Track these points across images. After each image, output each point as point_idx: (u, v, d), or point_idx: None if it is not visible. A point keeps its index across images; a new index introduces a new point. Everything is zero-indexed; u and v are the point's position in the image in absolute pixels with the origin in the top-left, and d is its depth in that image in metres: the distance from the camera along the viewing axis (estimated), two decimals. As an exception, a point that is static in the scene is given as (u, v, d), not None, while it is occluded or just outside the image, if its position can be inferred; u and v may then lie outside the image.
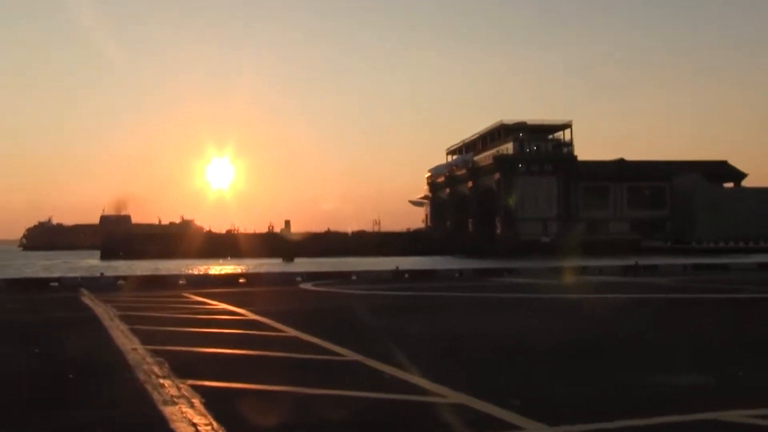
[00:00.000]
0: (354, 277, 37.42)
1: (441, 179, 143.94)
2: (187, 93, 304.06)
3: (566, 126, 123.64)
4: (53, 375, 10.61)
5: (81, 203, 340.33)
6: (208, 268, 69.07)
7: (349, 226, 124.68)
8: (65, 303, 24.10)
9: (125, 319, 17.57)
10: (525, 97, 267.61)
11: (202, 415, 7.62)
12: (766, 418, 7.26)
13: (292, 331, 15.00)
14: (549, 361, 11.16)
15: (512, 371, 10.45)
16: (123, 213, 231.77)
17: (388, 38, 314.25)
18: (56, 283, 33.82)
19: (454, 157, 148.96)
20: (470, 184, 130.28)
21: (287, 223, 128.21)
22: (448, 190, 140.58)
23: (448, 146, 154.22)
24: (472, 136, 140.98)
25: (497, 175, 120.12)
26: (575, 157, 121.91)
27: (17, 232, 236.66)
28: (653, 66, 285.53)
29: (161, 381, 9.49)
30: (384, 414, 7.79)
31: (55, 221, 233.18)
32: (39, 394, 9.20)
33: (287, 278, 37.44)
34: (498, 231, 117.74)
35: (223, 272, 53.01)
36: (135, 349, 12.41)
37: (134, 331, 14.96)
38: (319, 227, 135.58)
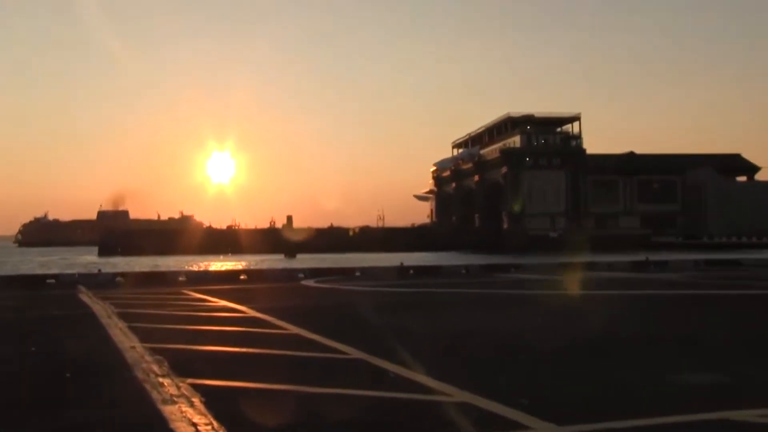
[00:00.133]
0: (357, 274, 37.42)
1: (446, 173, 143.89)
2: (187, 86, 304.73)
3: (575, 119, 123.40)
4: (50, 374, 10.65)
5: (78, 198, 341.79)
6: (208, 265, 69.19)
7: (352, 226, 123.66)
8: (62, 300, 24.16)
9: (124, 316, 17.61)
10: (533, 89, 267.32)
11: (202, 414, 7.65)
12: (779, 417, 7.26)
13: (293, 329, 15.02)
14: (555, 360, 11.17)
15: (518, 370, 10.46)
16: (121, 208, 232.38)
17: (391, 30, 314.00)
18: (53, 280, 33.86)
19: (460, 150, 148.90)
20: (476, 178, 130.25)
21: (289, 218, 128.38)
22: (453, 185, 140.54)
23: (454, 139, 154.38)
24: (479, 129, 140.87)
25: (504, 169, 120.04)
26: (584, 150, 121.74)
27: (12, 228, 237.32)
28: (664, 58, 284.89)
29: (160, 380, 9.52)
30: (388, 413, 7.81)
31: (51, 217, 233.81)
32: (36, 394, 9.24)
33: (289, 275, 37.44)
34: (505, 226, 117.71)
35: (223, 269, 53.10)
36: (134, 348, 12.45)
37: (133, 329, 15.00)
38: (322, 223, 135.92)
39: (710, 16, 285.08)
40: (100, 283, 32.25)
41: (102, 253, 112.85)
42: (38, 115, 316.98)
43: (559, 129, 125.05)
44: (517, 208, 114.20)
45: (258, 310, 18.83)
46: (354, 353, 11.67)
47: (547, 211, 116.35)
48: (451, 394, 8.52)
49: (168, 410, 7.85)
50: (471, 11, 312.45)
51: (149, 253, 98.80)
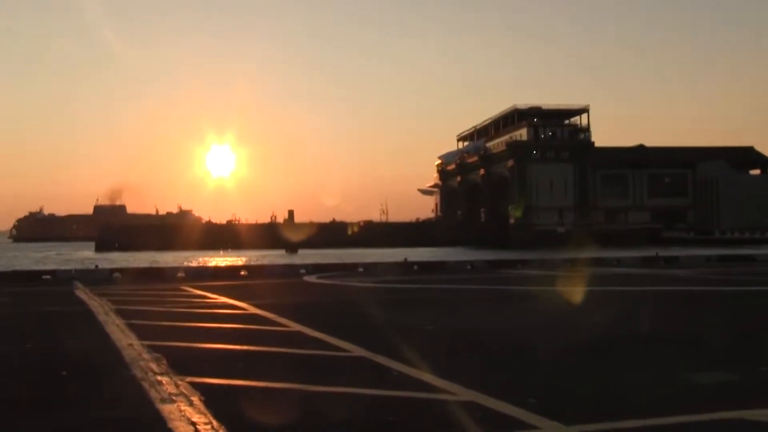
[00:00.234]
0: (360, 269, 37.46)
1: (451, 167, 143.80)
2: (187, 79, 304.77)
3: (583, 111, 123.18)
4: (46, 372, 10.67)
5: (74, 192, 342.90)
6: (208, 260, 69.28)
7: (355, 221, 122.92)
8: (59, 297, 24.21)
9: (121, 313, 17.63)
10: (540, 80, 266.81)
11: (201, 413, 7.65)
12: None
13: (295, 326, 15.03)
14: (562, 358, 11.16)
15: (525, 368, 10.45)
16: (118, 203, 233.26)
17: (395, 23, 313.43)
18: (49, 276, 33.95)
19: (466, 143, 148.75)
20: (482, 171, 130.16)
21: (290, 213, 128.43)
22: (459, 178, 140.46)
23: (459, 132, 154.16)
24: (484, 121, 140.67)
25: (510, 162, 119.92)
26: (592, 143, 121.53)
27: (7, 223, 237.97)
28: (674, 48, 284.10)
29: (159, 378, 9.52)
30: (391, 412, 7.80)
31: (46, 211, 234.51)
32: (31, 393, 9.25)
33: (290, 270, 37.51)
34: (511, 221, 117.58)
35: (223, 264, 53.14)
36: (131, 345, 12.47)
37: (131, 326, 15.02)
38: (324, 217, 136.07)
39: (722, 6, 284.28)
40: (97, 279, 32.32)
41: (99, 248, 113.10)
42: (34, 107, 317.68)
43: (567, 121, 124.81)
44: (518, 213, 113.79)
45: (259, 307, 18.85)
46: (357, 351, 11.68)
47: (555, 206, 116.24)
48: (456, 392, 8.51)
49: (166, 409, 7.86)
50: (476, 3, 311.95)
51: (147, 249, 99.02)
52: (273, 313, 17.24)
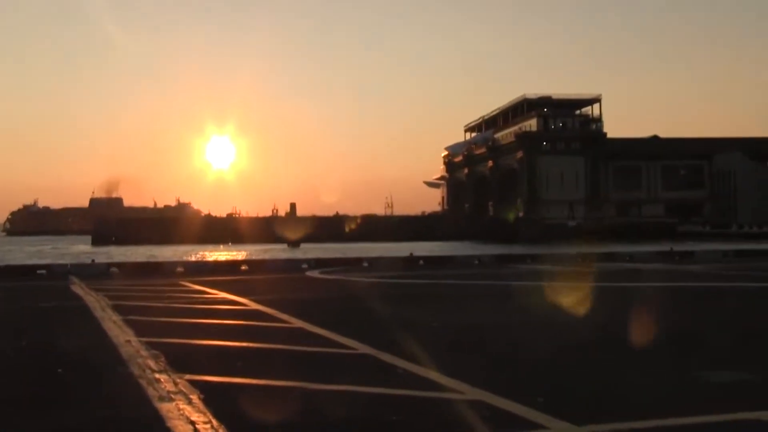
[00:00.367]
0: (365, 264, 37.50)
1: (459, 158, 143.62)
2: (186, 69, 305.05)
3: (595, 100, 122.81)
4: (41, 370, 10.71)
5: (69, 185, 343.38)
6: (208, 255, 69.42)
7: (359, 214, 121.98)
8: (54, 292, 24.28)
9: (118, 309, 17.69)
10: (550, 69, 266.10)
11: (200, 412, 7.68)
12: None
13: (297, 322, 15.06)
14: (571, 356, 11.16)
15: (533, 366, 10.46)
16: (114, 195, 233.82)
17: (400, 12, 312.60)
18: (44, 271, 34.08)
19: (473, 134, 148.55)
20: (490, 163, 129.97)
21: (292, 206, 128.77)
22: (466, 171, 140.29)
23: (466, 123, 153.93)
24: (493, 111, 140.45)
25: (519, 154, 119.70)
26: (604, 134, 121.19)
27: (0, 216, 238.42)
28: (690, 35, 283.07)
29: (157, 376, 9.56)
30: (397, 411, 7.81)
31: (41, 204, 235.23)
32: (25, 391, 9.28)
33: (292, 265, 37.54)
34: (521, 214, 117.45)
35: (223, 259, 53.26)
36: (129, 342, 12.51)
37: (128, 322, 15.07)
38: (327, 210, 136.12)
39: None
40: (93, 273, 32.42)
41: (96, 242, 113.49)
42: (29, 97, 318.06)
43: (578, 111, 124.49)
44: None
45: (260, 303, 18.89)
46: (361, 348, 11.70)
47: (565, 199, 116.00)
48: (463, 391, 8.53)
49: (165, 408, 7.88)
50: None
51: (145, 243, 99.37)
52: (274, 309, 17.28)
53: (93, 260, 40.83)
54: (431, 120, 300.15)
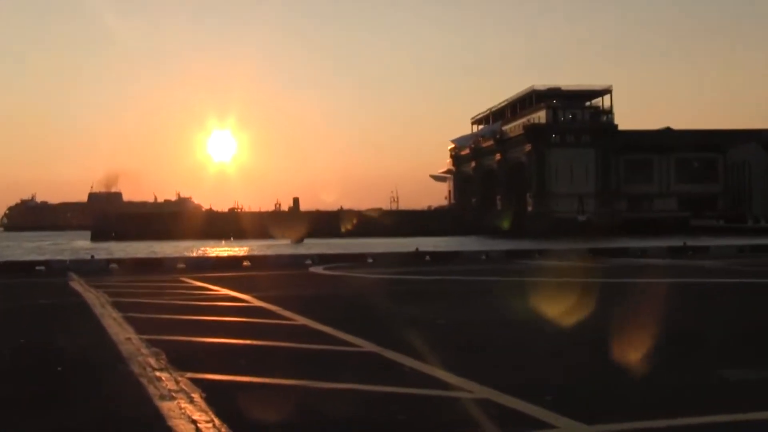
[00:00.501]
0: (370, 260, 37.53)
1: (466, 151, 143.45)
2: (187, 61, 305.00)
3: (605, 92, 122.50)
4: (40, 369, 10.75)
5: (67, 179, 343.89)
6: (209, 250, 69.54)
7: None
8: (53, 289, 24.36)
9: (118, 306, 17.74)
10: (559, 59, 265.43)
11: (202, 411, 7.70)
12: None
13: (301, 319, 15.09)
14: (581, 352, 11.16)
15: (541, 363, 10.47)
16: (113, 190, 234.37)
17: (404, 0, 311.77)
18: (42, 267, 34.17)
19: (480, 127, 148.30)
20: (498, 156, 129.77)
21: (296, 200, 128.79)
22: (473, 164, 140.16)
23: (474, 115, 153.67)
24: (500, 103, 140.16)
25: (528, 147, 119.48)
26: (615, 126, 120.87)
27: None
28: (703, 24, 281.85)
29: (158, 374, 9.59)
30: (403, 410, 7.83)
31: (39, 199, 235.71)
32: (24, 390, 9.32)
33: (296, 261, 37.60)
34: (529, 208, 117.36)
35: (225, 254, 53.34)
36: (129, 339, 12.55)
37: (128, 320, 15.12)
38: (331, 205, 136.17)
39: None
40: (92, 270, 32.51)
41: (95, 237, 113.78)
42: (26, 90, 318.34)
43: (588, 103, 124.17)
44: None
45: (262, 300, 18.92)
46: (366, 346, 11.72)
47: (575, 193, 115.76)
48: (471, 389, 8.54)
49: (166, 407, 7.91)
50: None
51: (145, 238, 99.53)
52: (277, 306, 17.31)
53: (92, 256, 40.94)
54: (437, 112, 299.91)
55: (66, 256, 49.46)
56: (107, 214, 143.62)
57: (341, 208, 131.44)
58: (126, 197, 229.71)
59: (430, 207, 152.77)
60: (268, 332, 13.46)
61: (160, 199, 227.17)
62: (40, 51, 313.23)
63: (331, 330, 13.42)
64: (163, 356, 10.78)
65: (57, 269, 32.98)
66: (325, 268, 32.21)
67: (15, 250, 79.20)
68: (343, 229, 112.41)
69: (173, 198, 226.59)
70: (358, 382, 9.05)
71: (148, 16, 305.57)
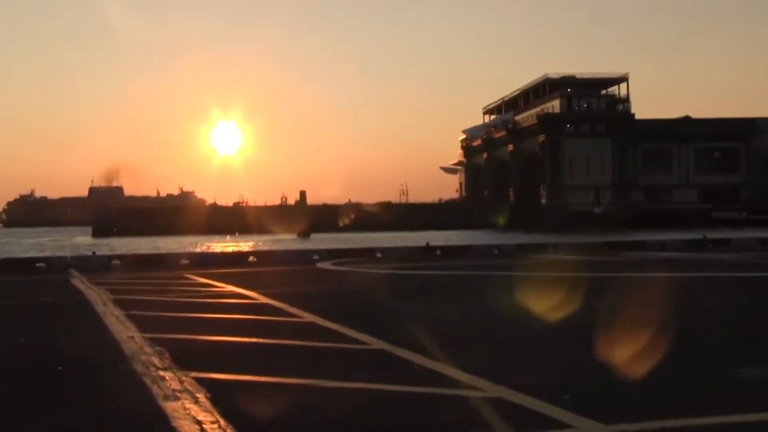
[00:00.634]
0: (379, 255, 37.60)
1: (477, 142, 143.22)
2: (190, 51, 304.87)
3: (622, 79, 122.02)
4: (40, 368, 10.81)
5: (67, 173, 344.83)
6: (214, 246, 69.71)
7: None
8: (53, 286, 24.50)
9: (121, 303, 17.81)
10: (574, 47, 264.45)
11: (207, 411, 7.72)
12: None
13: (308, 316, 15.12)
14: (598, 350, 11.12)
15: (558, 362, 10.45)
16: (114, 184, 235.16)
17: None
18: (43, 264, 34.37)
19: (492, 117, 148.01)
20: (511, 147, 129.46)
21: (302, 194, 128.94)
22: (485, 155, 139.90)
23: (485, 105, 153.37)
24: (513, 92, 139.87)
25: (542, 137, 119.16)
26: (632, 115, 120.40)
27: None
28: (724, 8, 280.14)
29: (161, 373, 9.62)
30: (414, 410, 7.83)
31: (38, 194, 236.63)
32: (24, 390, 9.36)
33: (303, 256, 37.67)
34: (543, 201, 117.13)
35: (230, 250, 53.47)
36: (132, 338, 12.60)
37: (131, 318, 15.18)
38: (339, 198, 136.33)
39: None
40: (94, 266, 32.67)
41: (96, 233, 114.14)
42: (24, 81, 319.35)
43: (603, 91, 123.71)
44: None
45: (269, 296, 18.96)
46: (375, 343, 11.73)
47: (591, 184, 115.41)
48: (484, 388, 8.53)
49: (170, 407, 7.93)
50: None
51: (147, 234, 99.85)
52: (284, 303, 17.34)
53: (94, 252, 41.13)
54: (448, 102, 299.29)
55: (67, 253, 49.64)
56: (108, 209, 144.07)
57: (349, 201, 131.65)
58: (127, 192, 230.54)
59: (440, 200, 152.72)
60: (274, 330, 13.48)
61: (163, 194, 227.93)
62: (39, 43, 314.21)
63: (339, 327, 13.44)
64: (167, 355, 10.81)
65: (58, 266, 33.17)
66: (332, 264, 32.26)
67: (14, 247, 79.55)
68: (342, 224, 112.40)
69: (176, 192, 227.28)
70: (367, 381, 9.06)
71: (150, 6, 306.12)
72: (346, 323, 13.72)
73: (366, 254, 37.89)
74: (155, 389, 8.77)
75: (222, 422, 7.31)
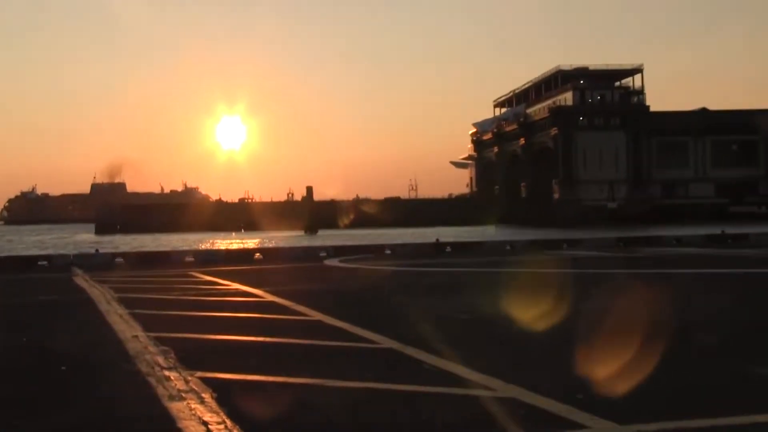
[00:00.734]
0: (388, 252, 37.61)
1: (488, 136, 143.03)
2: (194, 45, 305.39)
3: (636, 71, 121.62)
4: (44, 368, 10.85)
5: (69, 170, 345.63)
6: (219, 243, 69.85)
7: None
8: (56, 285, 24.58)
9: (124, 302, 17.87)
10: (586, 37, 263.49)
11: (213, 412, 7.74)
12: None
13: (316, 315, 15.13)
14: (614, 349, 11.10)
15: (571, 361, 10.42)
16: (117, 180, 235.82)
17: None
18: (45, 262, 34.52)
19: (503, 110, 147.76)
20: (522, 141, 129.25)
21: (309, 189, 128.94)
22: (495, 149, 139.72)
23: (496, 97, 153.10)
24: (524, 84, 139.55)
25: (554, 131, 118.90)
26: (647, 107, 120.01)
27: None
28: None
29: (166, 373, 9.64)
30: (424, 410, 7.84)
31: (39, 191, 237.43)
32: (27, 391, 9.40)
33: (310, 253, 37.71)
34: (556, 196, 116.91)
35: (235, 247, 53.56)
36: (136, 337, 12.63)
37: (135, 316, 15.22)
38: (347, 194, 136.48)
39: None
40: (97, 264, 32.78)
41: (99, 230, 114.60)
42: (24, 75, 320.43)
43: (617, 83, 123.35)
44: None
45: (275, 294, 18.99)
46: (384, 342, 11.73)
47: (605, 179, 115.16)
48: (496, 388, 8.53)
49: (175, 407, 7.95)
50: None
51: (151, 231, 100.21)
52: (291, 301, 17.36)
53: (97, 250, 41.25)
54: (457, 95, 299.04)
55: (69, 251, 49.86)
56: (111, 205, 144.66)
57: (357, 197, 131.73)
58: (130, 188, 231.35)
59: (450, 195, 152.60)
60: (281, 329, 13.50)
61: (166, 190, 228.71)
62: (40, 37, 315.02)
63: (347, 326, 13.45)
64: (172, 354, 10.84)
65: (60, 264, 33.31)
66: (340, 261, 32.28)
67: (16, 245, 79.91)
68: (349, 220, 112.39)
69: (180, 188, 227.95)
70: (376, 381, 9.06)
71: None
72: (354, 322, 13.73)
73: (374, 251, 37.92)
74: (160, 389, 8.79)
75: (228, 423, 7.32)
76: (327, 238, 74.15)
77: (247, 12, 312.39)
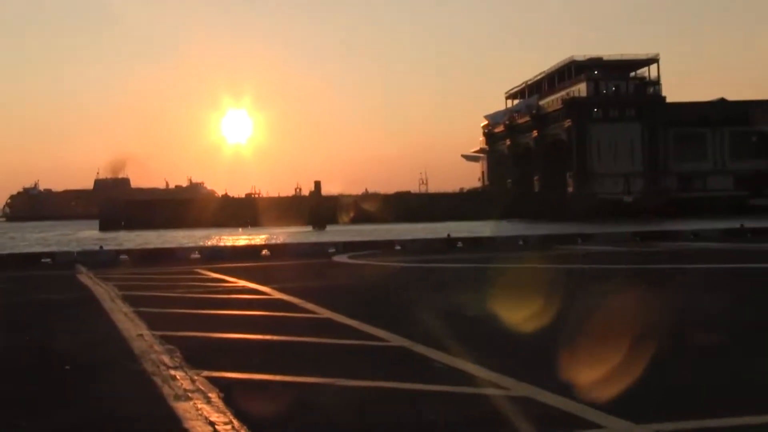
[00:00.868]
0: (398, 247, 37.62)
1: (500, 128, 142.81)
2: (198, 38, 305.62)
3: (651, 61, 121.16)
4: (47, 367, 10.89)
5: (71, 165, 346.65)
6: (225, 239, 69.98)
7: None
8: (59, 282, 24.67)
9: (129, 300, 17.93)
10: (600, 27, 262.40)
11: (220, 412, 7.76)
12: None
13: (324, 312, 15.15)
14: (628, 347, 11.07)
15: (586, 358, 10.41)
16: (121, 176, 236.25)
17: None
18: (49, 259, 34.66)
19: (515, 101, 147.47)
20: (535, 133, 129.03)
21: (317, 184, 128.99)
22: (508, 142, 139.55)
23: (508, 89, 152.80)
24: (537, 76, 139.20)
25: (567, 123, 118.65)
26: (663, 98, 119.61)
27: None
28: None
29: (172, 372, 9.67)
30: (435, 409, 7.84)
31: (42, 186, 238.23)
32: (30, 390, 9.44)
33: (318, 249, 37.77)
34: (570, 189, 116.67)
35: (242, 243, 53.66)
36: (141, 336, 12.67)
37: (140, 314, 15.27)
38: (356, 188, 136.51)
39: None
40: (101, 261, 32.91)
41: (104, 227, 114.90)
42: (27, 70, 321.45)
43: (632, 74, 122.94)
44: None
45: (283, 291, 19.02)
46: (394, 340, 11.74)
47: (620, 172, 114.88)
48: (509, 387, 8.52)
49: (181, 407, 7.98)
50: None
51: (155, 227, 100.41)
52: (299, 298, 17.38)
53: (101, 247, 41.43)
54: (469, 87, 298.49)
55: (73, 248, 50.06)
56: (115, 201, 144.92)
57: (366, 191, 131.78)
58: (134, 183, 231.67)
59: (462, 189, 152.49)
60: (289, 326, 13.53)
61: (171, 185, 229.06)
62: (42, 30, 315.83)
63: (356, 323, 13.46)
64: (178, 353, 10.87)
65: (64, 261, 33.44)
66: (349, 257, 32.31)
67: (19, 242, 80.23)
68: (358, 215, 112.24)
69: (185, 184, 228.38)
70: (386, 379, 9.07)
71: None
72: (363, 319, 13.74)
73: (384, 246, 37.93)
74: (166, 389, 8.82)
75: (236, 423, 7.34)
76: (335, 233, 74.17)
77: (253, 3, 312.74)
